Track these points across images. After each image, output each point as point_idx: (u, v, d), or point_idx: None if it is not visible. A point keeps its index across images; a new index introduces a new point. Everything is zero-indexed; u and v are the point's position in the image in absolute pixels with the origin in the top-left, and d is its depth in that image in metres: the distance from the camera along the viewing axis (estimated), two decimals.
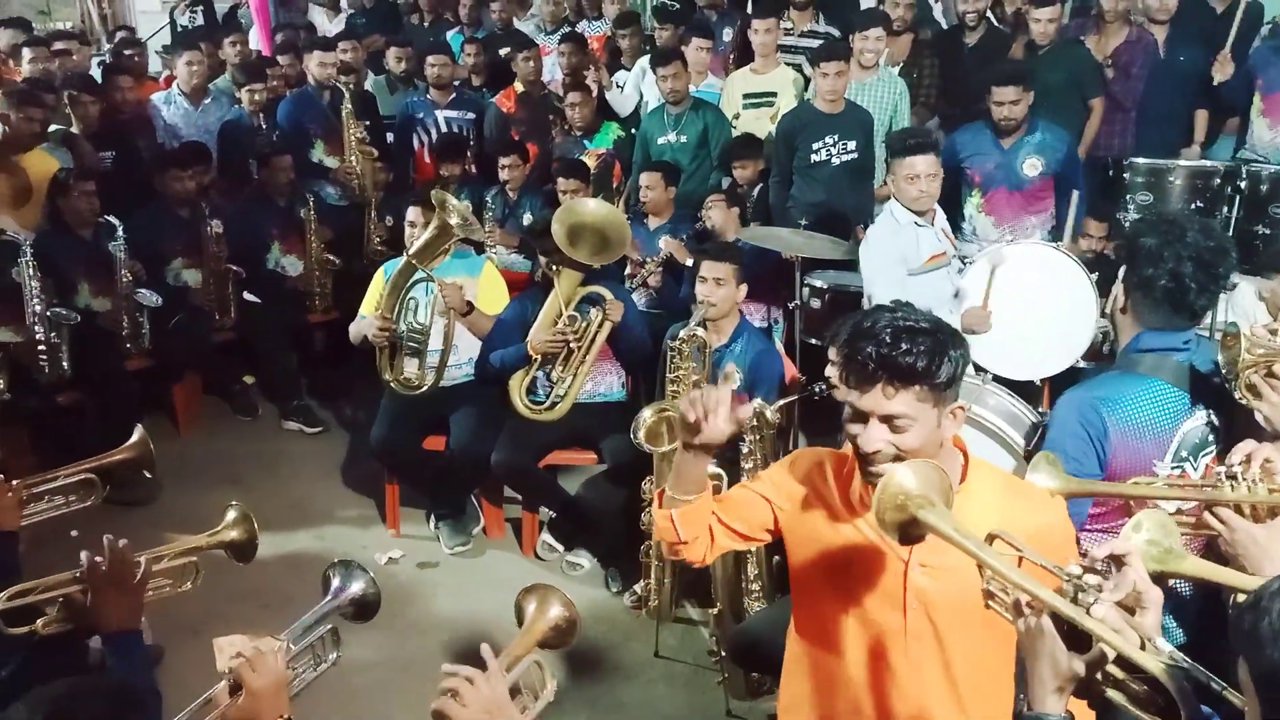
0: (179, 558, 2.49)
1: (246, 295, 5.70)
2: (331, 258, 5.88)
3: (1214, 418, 2.39)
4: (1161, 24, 5.63)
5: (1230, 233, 5.19)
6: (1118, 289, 2.46)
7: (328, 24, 8.35)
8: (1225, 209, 5.24)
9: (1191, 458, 2.38)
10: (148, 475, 2.92)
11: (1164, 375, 2.36)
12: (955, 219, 4.95)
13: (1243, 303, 4.47)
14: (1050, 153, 4.80)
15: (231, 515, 2.58)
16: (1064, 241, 4.59)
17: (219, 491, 4.96)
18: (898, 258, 4.01)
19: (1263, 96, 5.40)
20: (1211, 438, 2.41)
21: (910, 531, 1.64)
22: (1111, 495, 2.33)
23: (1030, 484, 2.21)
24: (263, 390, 5.89)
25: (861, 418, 1.87)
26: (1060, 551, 1.83)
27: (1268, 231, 5.07)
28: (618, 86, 6.44)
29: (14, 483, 2.57)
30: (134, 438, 2.80)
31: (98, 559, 2.23)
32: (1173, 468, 2.36)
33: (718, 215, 5.05)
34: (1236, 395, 2.10)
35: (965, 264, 4.25)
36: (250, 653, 2.04)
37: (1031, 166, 4.80)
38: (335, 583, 2.34)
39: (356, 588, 2.33)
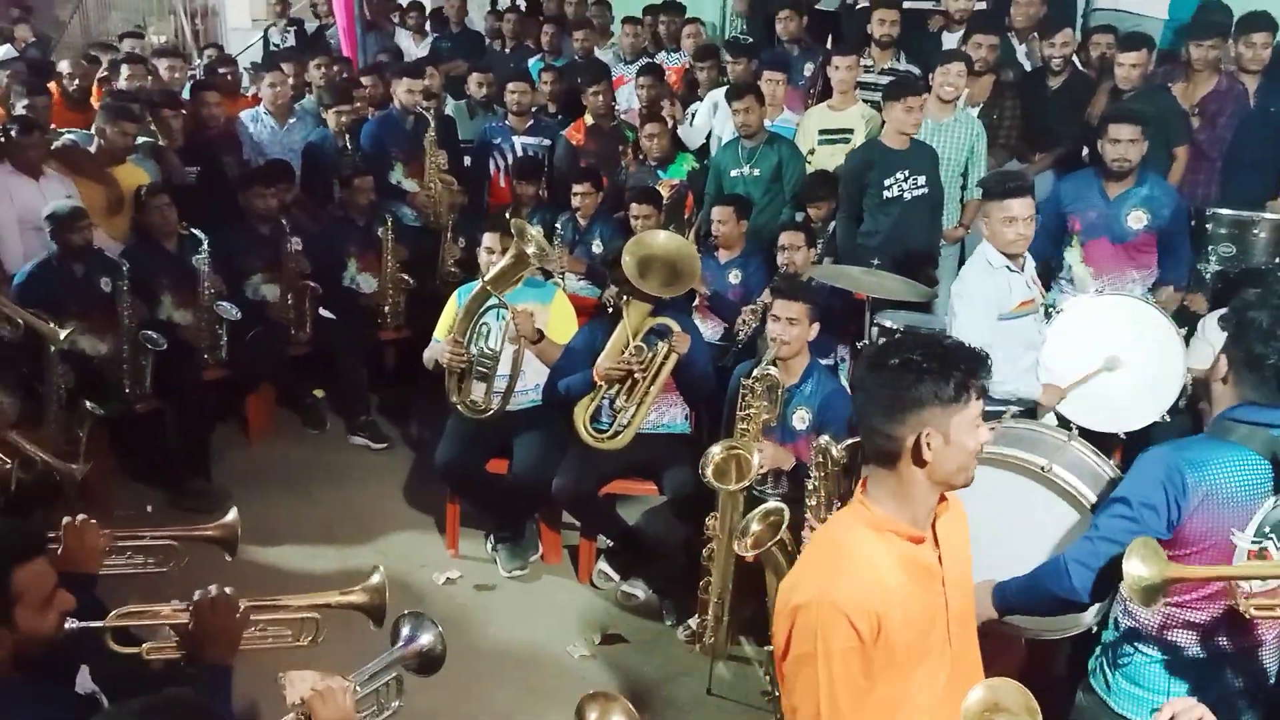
0: (298, 612, 2.50)
1: (322, 311, 5.82)
2: (406, 277, 5.98)
3: None
4: (1253, 74, 5.51)
5: None
6: (1221, 359, 2.40)
7: (414, 47, 8.55)
8: None
9: (1276, 535, 2.31)
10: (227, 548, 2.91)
11: (1255, 447, 2.30)
12: (1056, 268, 4.90)
13: None
14: (1157, 207, 4.66)
15: (374, 580, 2.57)
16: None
17: (285, 501, 5.10)
18: (991, 301, 3.97)
19: None
20: None
21: None
22: (1211, 578, 2.27)
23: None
24: (332, 404, 6.00)
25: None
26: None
27: None
28: (689, 119, 6.47)
29: (105, 532, 2.63)
30: (227, 518, 2.82)
31: (204, 597, 2.30)
32: (1253, 542, 2.29)
33: (799, 258, 5.02)
34: None
35: (1055, 312, 4.20)
36: (323, 688, 2.08)
37: (1136, 220, 4.68)
38: (405, 631, 2.37)
39: (425, 640, 2.35)
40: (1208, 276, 5.04)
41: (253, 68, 8.33)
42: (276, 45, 8.87)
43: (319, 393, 6.00)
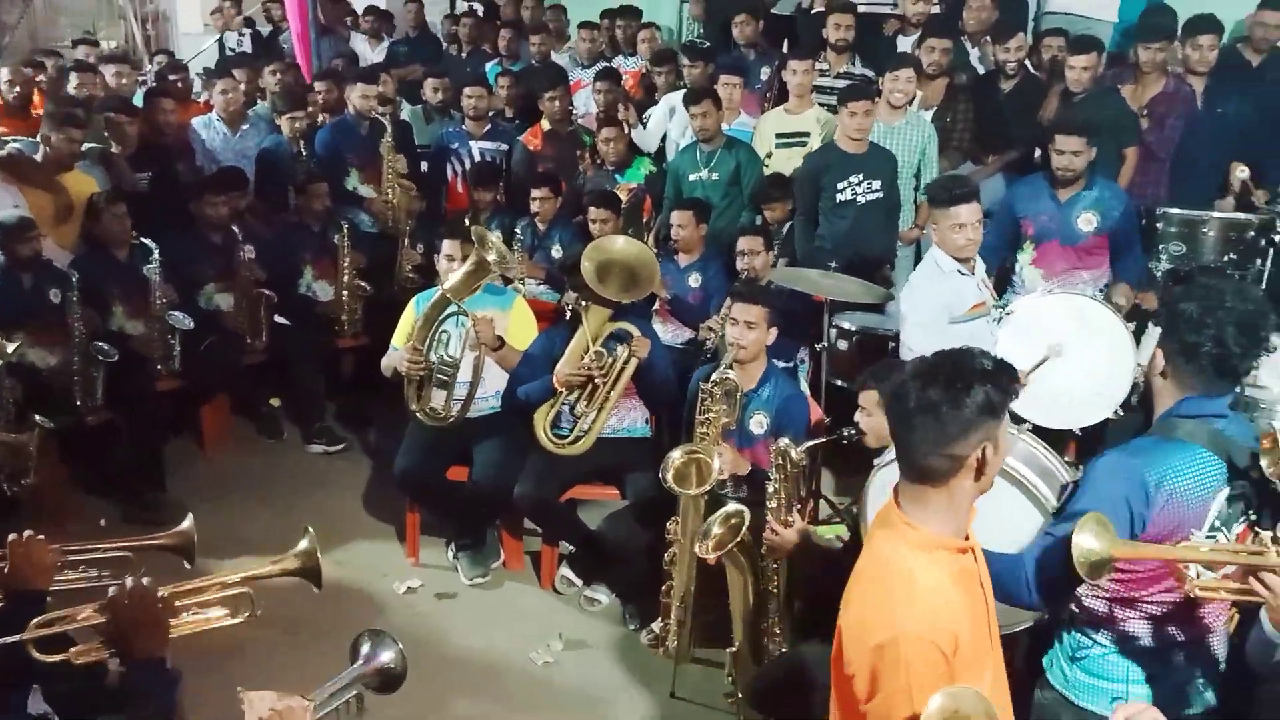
0: (227, 589, 2.48)
1: (277, 319, 5.75)
2: (363, 284, 5.93)
3: (1246, 488, 2.37)
4: (1200, 75, 5.61)
5: (1264, 286, 5.15)
6: (1157, 354, 2.44)
7: (370, 52, 8.49)
8: (1259, 261, 5.19)
9: (1225, 527, 2.35)
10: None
11: (1201, 441, 2.33)
12: (1011, 270, 4.97)
13: (1275, 358, 4.41)
14: (1107, 209, 4.73)
15: (303, 544, 2.57)
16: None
17: (242, 512, 5.03)
18: (941, 306, 4.02)
19: None
20: (1244, 507, 2.38)
21: None
22: (1160, 559, 2.30)
23: None
24: (289, 413, 5.94)
25: None
26: None
27: None
28: (642, 123, 6.48)
29: (54, 547, 2.57)
30: (182, 525, 2.76)
31: (119, 591, 2.25)
32: (1208, 536, 2.33)
33: (759, 263, 5.04)
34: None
35: (1005, 314, 4.25)
36: (282, 708, 2.05)
37: (1086, 222, 4.74)
38: (365, 649, 2.34)
39: (385, 657, 2.33)
40: (1159, 275, 5.13)
41: (205, 73, 8.24)
42: (232, 50, 8.77)
43: (275, 402, 5.93)
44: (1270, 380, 4.35)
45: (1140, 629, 2.42)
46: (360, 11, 9.02)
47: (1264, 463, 2.11)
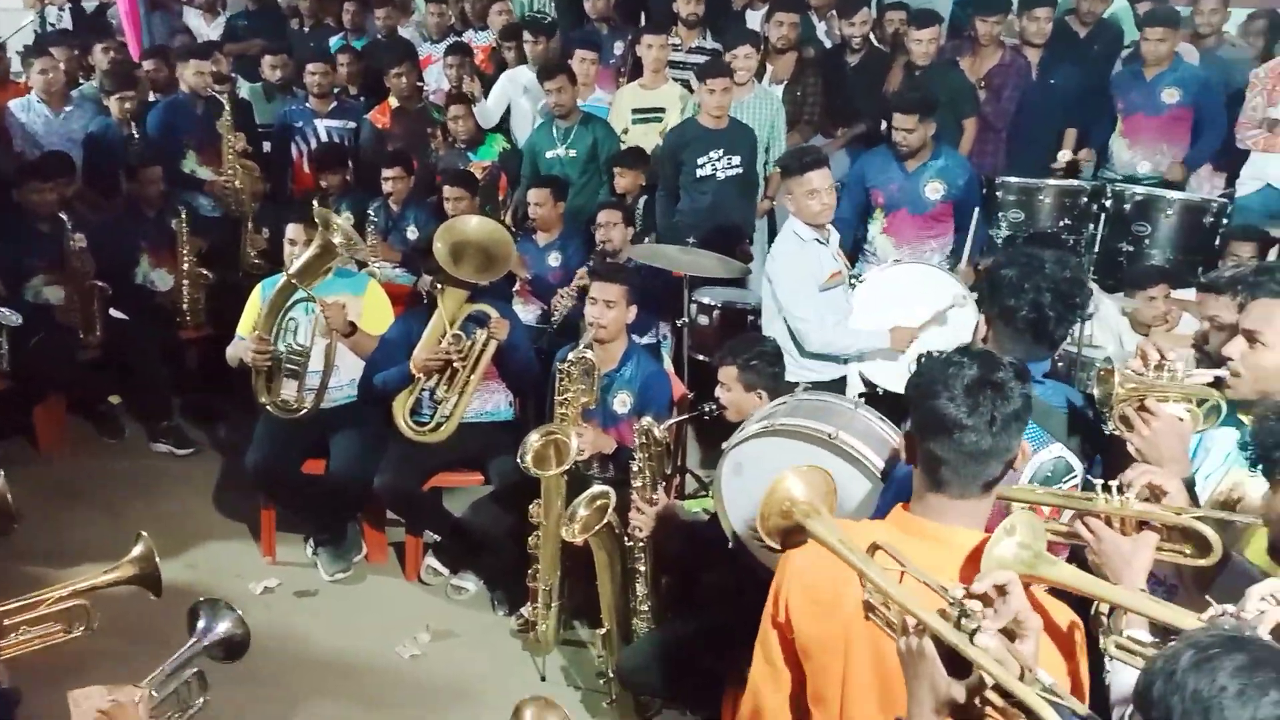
0: (60, 603, 2.32)
1: (113, 312, 5.42)
2: (204, 271, 5.65)
3: (1065, 452, 2.47)
4: (1036, 47, 5.84)
5: (1096, 250, 5.43)
6: (979, 321, 2.52)
7: (205, 27, 8.06)
8: (1092, 226, 5.47)
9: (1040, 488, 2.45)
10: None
11: None
12: (863, 240, 5.08)
13: (1109, 319, 4.65)
14: (952, 178, 4.88)
15: (138, 549, 2.42)
16: (963, 263, 4.73)
17: (83, 518, 4.76)
18: (808, 274, 4.08)
19: (1123, 119, 5.66)
20: (1065, 471, 2.49)
21: (792, 538, 1.63)
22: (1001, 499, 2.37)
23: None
24: (130, 411, 5.63)
25: None
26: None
27: (1131, 249, 5.31)
28: (483, 97, 6.35)
29: None
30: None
31: None
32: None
33: (616, 235, 5.01)
34: (1110, 427, 2.17)
35: (859, 283, 4.34)
36: (109, 706, 1.93)
37: (933, 190, 4.89)
38: (200, 623, 2.25)
39: (223, 627, 2.25)
40: (1000, 241, 5.33)
41: (25, 51, 7.68)
42: (53, 25, 8.20)
43: (115, 399, 5.60)
44: (1104, 340, 4.59)
45: None
46: None
47: (1096, 393, 2.21)
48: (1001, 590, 1.51)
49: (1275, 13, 6.02)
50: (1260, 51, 5.96)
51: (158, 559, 2.45)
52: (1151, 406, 2.11)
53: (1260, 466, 1.81)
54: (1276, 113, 5.33)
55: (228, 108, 5.94)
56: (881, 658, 1.80)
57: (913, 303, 4.20)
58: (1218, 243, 4.99)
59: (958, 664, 1.47)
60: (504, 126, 6.44)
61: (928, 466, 1.86)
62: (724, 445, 3.07)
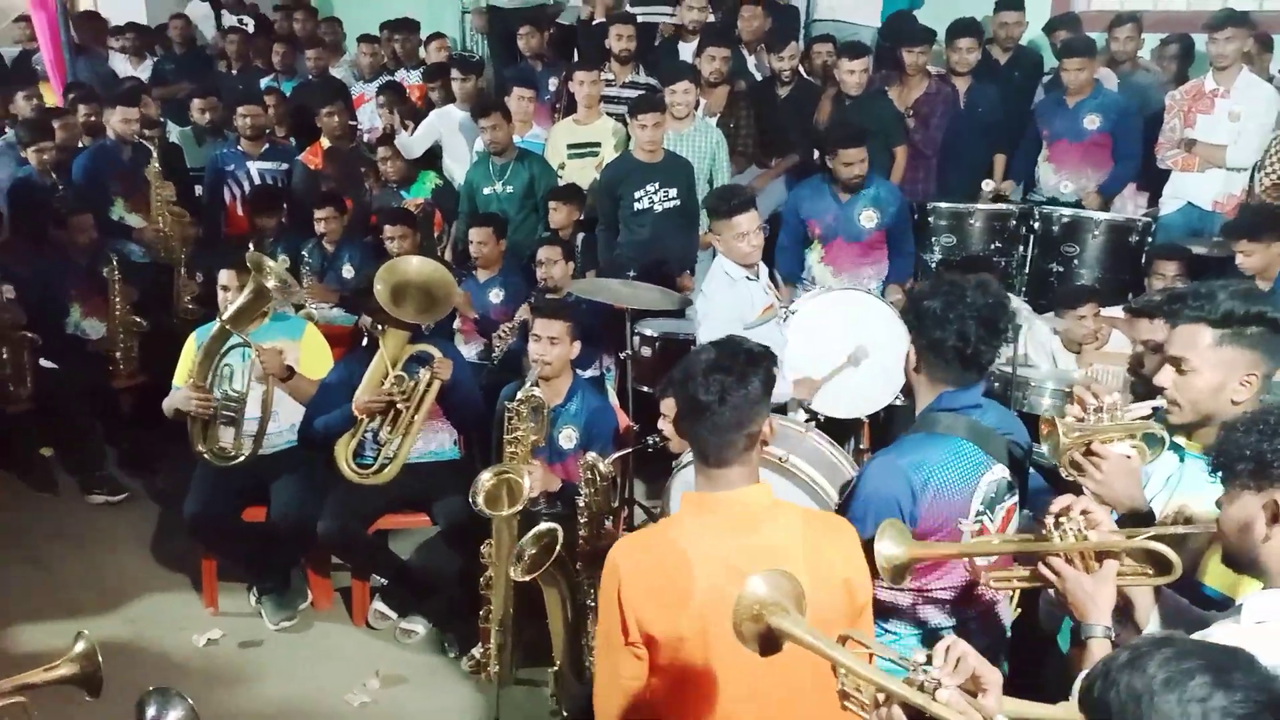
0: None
1: (44, 362, 5.29)
2: (137, 319, 5.55)
3: (1006, 472, 2.53)
4: (963, 76, 5.99)
5: (1027, 271, 5.56)
6: (910, 350, 2.56)
7: (132, 71, 7.95)
8: (1022, 248, 5.61)
9: (989, 510, 2.50)
10: None
11: (960, 433, 2.47)
12: (799, 270, 5.16)
13: (1041, 339, 4.75)
14: (885, 206, 5.00)
15: (80, 647, 2.31)
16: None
17: (15, 574, 4.63)
18: (736, 315, 4.09)
19: (1048, 145, 5.81)
20: (1007, 489, 2.54)
21: (769, 641, 1.67)
22: (954, 556, 2.41)
23: (827, 515, 2.39)
24: (63, 462, 5.50)
25: None
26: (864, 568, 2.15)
27: (1061, 269, 5.44)
28: (405, 129, 6.30)
29: None
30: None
31: None
32: (974, 523, 2.47)
33: (557, 271, 5.01)
34: (1065, 474, 2.21)
35: (790, 314, 4.38)
36: None
37: (868, 219, 4.99)
38: (150, 713, 2.16)
39: (174, 717, 2.16)
40: (933, 266, 5.43)
41: None
42: None
43: (46, 451, 5.49)
44: (1038, 359, 4.69)
45: (929, 612, 2.55)
46: (120, 27, 8.42)
47: (1045, 448, 2.24)
48: (956, 654, 1.63)
49: (1187, 37, 6.23)
50: (1174, 75, 6.17)
51: (100, 658, 2.34)
52: (1098, 450, 2.15)
53: (1220, 474, 1.85)
54: (1193, 133, 5.51)
55: (155, 154, 5.86)
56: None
57: (842, 332, 4.25)
58: (1144, 261, 5.13)
59: None
60: (436, 164, 6.44)
61: (694, 444, 2.15)
62: (674, 464, 3.07)
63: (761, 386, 2.11)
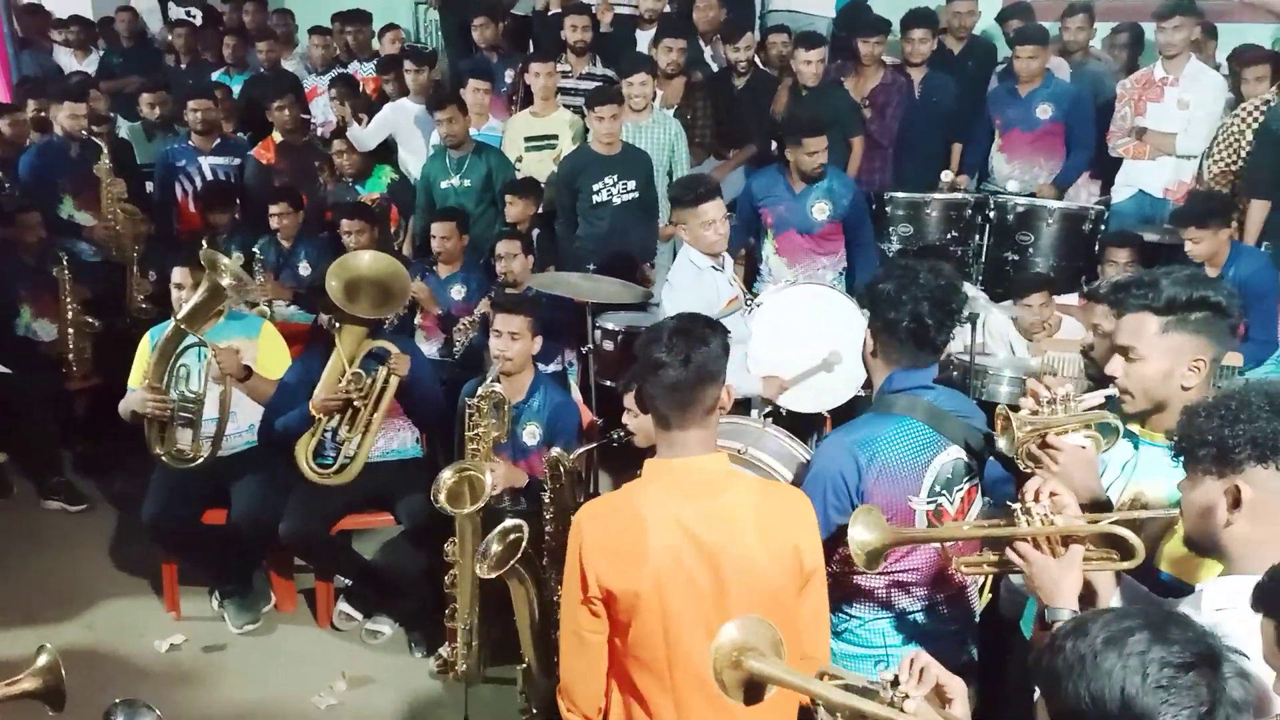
0: None
1: None
2: (90, 319, 5.45)
3: (964, 454, 2.56)
4: (918, 66, 6.03)
5: (983, 259, 5.62)
6: (867, 335, 2.60)
7: (77, 65, 7.79)
8: (978, 237, 5.68)
9: (946, 491, 2.54)
10: None
11: (916, 415, 2.52)
12: (757, 260, 5.16)
13: (998, 327, 4.81)
14: (837, 198, 5.00)
15: (42, 661, 2.26)
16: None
17: None
18: (704, 305, 4.09)
19: (1001, 134, 5.88)
20: (964, 472, 2.58)
21: (752, 689, 1.71)
22: (924, 540, 2.45)
23: (783, 485, 2.45)
24: (18, 467, 5.39)
25: None
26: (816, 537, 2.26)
27: (1016, 258, 5.51)
28: (358, 122, 6.27)
29: None
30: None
31: None
32: (928, 502, 2.51)
33: (517, 266, 4.99)
34: (1022, 466, 2.24)
35: (756, 306, 4.39)
36: None
37: (820, 211, 4.99)
38: None
39: None
40: (891, 255, 5.47)
41: None
42: None
43: (0, 456, 5.36)
44: (995, 348, 4.75)
45: (894, 596, 2.58)
46: (63, 20, 8.24)
47: (1001, 444, 2.27)
48: (919, 666, 1.70)
49: (1137, 26, 6.32)
50: (1125, 63, 6.26)
51: (63, 671, 2.30)
52: (1053, 441, 2.17)
53: (1182, 460, 1.88)
54: (1144, 121, 5.59)
55: (105, 150, 5.76)
56: (700, 595, 2.15)
57: (809, 328, 4.26)
58: (1097, 248, 5.20)
59: None
60: (392, 158, 6.39)
61: (655, 409, 2.22)
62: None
63: (720, 348, 2.22)
